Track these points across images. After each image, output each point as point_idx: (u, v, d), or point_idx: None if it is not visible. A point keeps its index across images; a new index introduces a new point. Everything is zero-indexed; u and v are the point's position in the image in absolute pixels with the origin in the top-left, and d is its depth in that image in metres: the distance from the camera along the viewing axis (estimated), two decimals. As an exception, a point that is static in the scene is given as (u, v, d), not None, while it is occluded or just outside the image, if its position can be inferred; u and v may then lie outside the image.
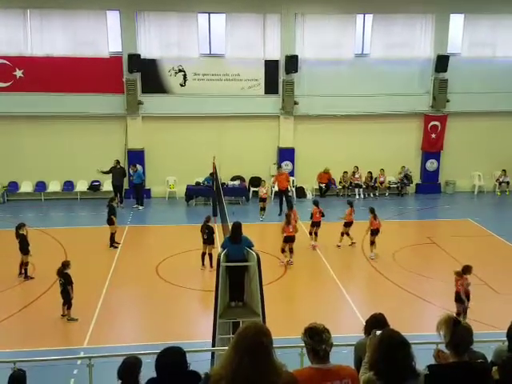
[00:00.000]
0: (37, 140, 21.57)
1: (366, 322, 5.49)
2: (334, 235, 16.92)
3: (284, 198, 20.28)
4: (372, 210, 16.01)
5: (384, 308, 6.62)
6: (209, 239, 15.10)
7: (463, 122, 23.19)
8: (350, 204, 17.12)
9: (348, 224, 16.80)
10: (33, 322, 12.17)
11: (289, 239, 15.40)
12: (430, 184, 23.78)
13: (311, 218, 16.82)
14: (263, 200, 19.65)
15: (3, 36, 20.98)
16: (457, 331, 4.14)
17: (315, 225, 16.78)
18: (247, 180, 22.75)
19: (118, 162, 21.37)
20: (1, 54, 20.97)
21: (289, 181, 21.31)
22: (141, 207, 21.16)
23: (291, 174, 22.88)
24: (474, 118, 23.18)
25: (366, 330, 5.32)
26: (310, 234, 16.95)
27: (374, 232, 15.90)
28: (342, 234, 16.88)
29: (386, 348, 3.66)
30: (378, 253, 15.99)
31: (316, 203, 17.06)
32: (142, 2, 21.01)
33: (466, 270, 11.76)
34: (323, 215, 16.81)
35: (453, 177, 23.81)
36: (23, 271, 14.36)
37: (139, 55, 21.32)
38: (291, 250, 15.50)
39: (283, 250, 15.54)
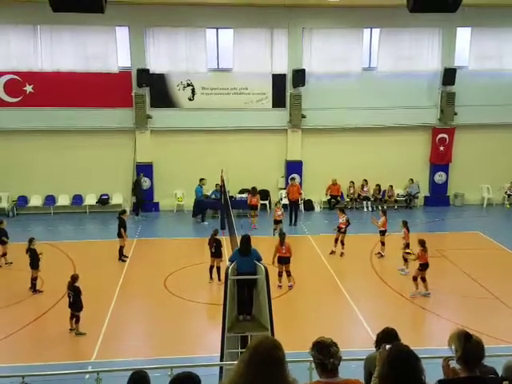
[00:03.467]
0: (46, 154, 21.74)
1: (377, 335, 5.44)
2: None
3: (294, 210, 20.73)
4: (405, 223, 15.85)
5: (393, 322, 6.58)
6: (217, 252, 15.09)
7: (471, 134, 23.15)
8: (384, 212, 17.32)
9: (383, 232, 16.89)
10: (41, 336, 12.20)
11: (282, 260, 14.65)
12: (439, 196, 23.70)
13: (338, 228, 17.15)
14: (278, 222, 19.01)
15: (14, 51, 21.25)
16: (468, 346, 4.11)
17: (339, 231, 17.08)
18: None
19: (138, 174, 21.38)
20: (11, 70, 21.23)
21: (300, 193, 21.46)
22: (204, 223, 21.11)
23: (299, 186, 22.95)
24: (482, 131, 23.13)
25: (377, 343, 5.28)
26: (336, 241, 17.16)
27: (408, 246, 15.66)
28: (383, 244, 16.98)
29: (395, 362, 3.63)
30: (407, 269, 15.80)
31: (342, 210, 17.58)
32: (151, 18, 21.22)
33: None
34: (349, 223, 17.07)
35: (461, 189, 23.71)
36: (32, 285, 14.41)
37: (148, 70, 21.51)
38: (288, 273, 14.72)
39: (280, 273, 14.71)
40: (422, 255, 14.08)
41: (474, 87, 22.68)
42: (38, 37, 21.16)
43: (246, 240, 10.34)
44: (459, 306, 14.04)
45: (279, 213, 19.07)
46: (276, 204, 20.13)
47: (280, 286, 14.66)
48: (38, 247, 14.43)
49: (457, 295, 14.52)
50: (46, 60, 21.34)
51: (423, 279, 14.16)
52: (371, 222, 17.83)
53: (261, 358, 3.08)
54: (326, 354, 3.99)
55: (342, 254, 17.11)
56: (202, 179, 21.16)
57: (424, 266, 14.12)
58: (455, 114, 22.88)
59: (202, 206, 21.50)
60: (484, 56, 22.88)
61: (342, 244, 17.09)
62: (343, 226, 17.04)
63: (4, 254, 16.31)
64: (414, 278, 14.21)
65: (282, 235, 14.96)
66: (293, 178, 21.65)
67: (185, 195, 22.49)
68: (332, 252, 17.26)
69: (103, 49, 21.44)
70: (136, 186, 21.69)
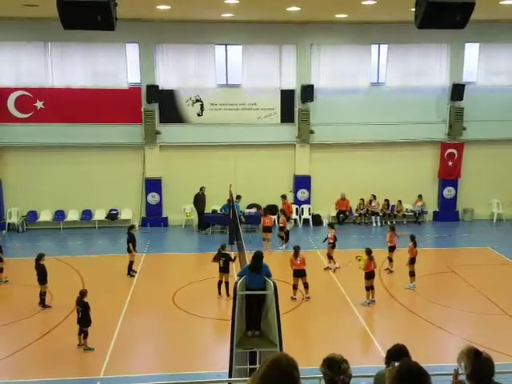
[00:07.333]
0: (56, 170, 21.90)
1: (388, 352, 5.40)
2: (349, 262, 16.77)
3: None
4: (412, 238, 15.84)
5: (403, 337, 6.54)
6: (225, 267, 15.07)
7: (480, 149, 23.10)
8: (392, 228, 17.31)
9: (392, 248, 16.96)
10: (49, 352, 12.17)
11: (297, 273, 14.78)
12: (448, 212, 23.58)
13: (324, 240, 17.50)
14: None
15: (25, 68, 21.53)
16: (477, 363, 4.07)
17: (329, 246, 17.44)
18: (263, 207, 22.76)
19: (201, 188, 21.57)
20: (22, 86, 21.48)
21: (291, 211, 21.51)
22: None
23: (307, 201, 22.93)
24: (491, 146, 23.07)
25: (388, 360, 5.24)
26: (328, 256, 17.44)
27: (413, 261, 15.63)
28: (390, 260, 17.01)
29: (404, 379, 3.61)
30: (416, 283, 15.75)
31: (331, 225, 17.94)
32: (161, 35, 21.45)
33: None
34: (336, 238, 17.31)
35: (471, 204, 23.60)
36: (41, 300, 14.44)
37: (157, 86, 21.71)
38: (306, 286, 14.85)
39: (295, 286, 14.84)
40: (368, 264, 14.37)
41: (483, 102, 22.69)
42: (49, 53, 21.43)
43: (257, 257, 10.26)
44: (469, 322, 13.90)
45: (267, 221, 19.52)
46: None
47: (294, 299, 14.77)
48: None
49: (467, 311, 14.39)
50: (57, 76, 21.59)
51: (371, 287, 14.60)
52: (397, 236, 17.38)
53: (278, 376, 3.03)
54: (336, 371, 3.96)
55: (327, 268, 17.12)
56: (238, 196, 21.11)
57: (369, 275, 14.49)
58: (464, 129, 22.86)
59: (209, 221, 21.70)
60: (492, 71, 22.92)
61: (330, 258, 17.22)
62: (331, 241, 17.21)
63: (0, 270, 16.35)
64: (366, 288, 14.59)
65: (297, 248, 15.04)
66: (284, 196, 21.44)
67: (193, 210, 22.51)
68: (327, 268, 17.24)
69: (113, 65, 21.68)
70: (196, 200, 21.68)
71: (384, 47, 22.59)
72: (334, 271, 17.06)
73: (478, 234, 21.80)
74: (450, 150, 23.27)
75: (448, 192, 23.60)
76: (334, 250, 17.26)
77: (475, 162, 23.19)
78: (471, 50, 22.78)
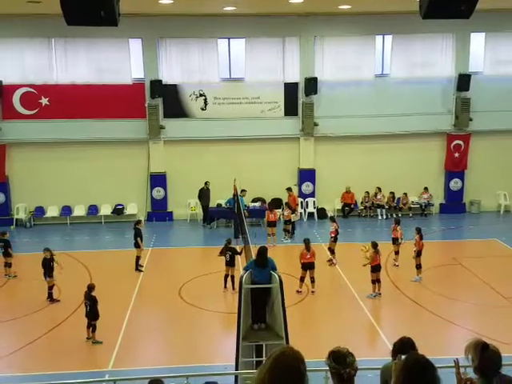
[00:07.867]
0: (62, 165, 21.97)
1: (394, 345, 5.41)
2: (355, 255, 16.76)
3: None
4: (419, 230, 15.83)
5: (409, 330, 6.54)
6: (232, 261, 15.11)
7: (487, 140, 22.94)
8: (397, 222, 17.29)
9: (395, 241, 17.04)
10: (58, 345, 12.27)
11: (306, 266, 14.83)
12: (455, 204, 23.48)
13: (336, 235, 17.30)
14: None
15: (29, 65, 21.54)
16: (485, 355, 4.07)
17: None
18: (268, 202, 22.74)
19: (206, 183, 21.61)
20: (27, 83, 21.51)
21: (297, 203, 21.48)
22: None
23: (312, 195, 22.89)
24: (498, 137, 22.92)
25: (394, 353, 5.25)
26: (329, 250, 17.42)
27: (419, 253, 15.60)
28: (396, 253, 17.01)
29: (411, 372, 3.60)
30: (422, 276, 15.72)
31: (333, 219, 17.85)
32: (164, 30, 21.41)
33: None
34: (337, 232, 17.22)
35: (477, 196, 23.47)
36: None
37: (161, 81, 21.68)
38: (312, 280, 14.87)
39: (302, 279, 14.91)
40: (374, 257, 14.37)
41: (490, 93, 22.50)
42: (53, 50, 21.42)
43: (262, 252, 10.28)
44: (476, 315, 13.88)
45: (272, 215, 19.33)
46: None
47: (300, 292, 14.79)
48: (55, 257, 14.62)
49: (474, 303, 14.36)
50: (61, 73, 21.60)
51: (378, 281, 14.56)
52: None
53: (284, 370, 3.03)
54: (341, 364, 3.97)
55: (331, 263, 17.03)
56: (243, 190, 21.08)
57: (375, 268, 14.48)
58: (470, 119, 22.69)
59: (213, 215, 21.70)
60: (499, 61, 22.71)
61: (332, 252, 17.14)
62: (333, 235, 17.15)
63: (8, 265, 16.42)
64: (373, 282, 14.57)
65: (307, 241, 15.05)
66: (289, 189, 21.39)
67: (198, 204, 22.53)
68: (330, 262, 17.11)
69: (117, 61, 21.65)
70: (201, 194, 21.76)
71: (388, 38, 22.42)
72: (330, 264, 16.99)
73: (484, 226, 21.71)
74: (456, 142, 23.13)
75: (454, 184, 23.49)
76: (336, 244, 17.21)
77: (482, 153, 23.04)
78: (477, 40, 22.59)
